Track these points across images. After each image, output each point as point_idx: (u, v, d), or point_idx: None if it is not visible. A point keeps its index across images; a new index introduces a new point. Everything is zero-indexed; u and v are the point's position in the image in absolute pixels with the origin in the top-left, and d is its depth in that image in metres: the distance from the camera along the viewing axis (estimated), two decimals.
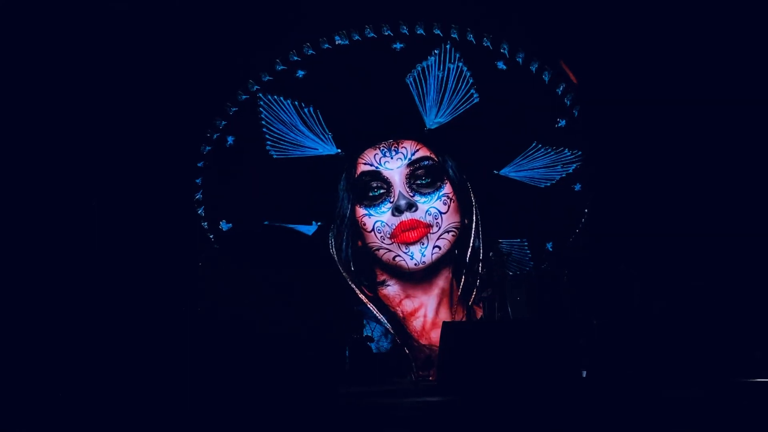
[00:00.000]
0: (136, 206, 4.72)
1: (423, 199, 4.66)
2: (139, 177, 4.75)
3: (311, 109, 4.81)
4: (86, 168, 4.67)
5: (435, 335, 4.49)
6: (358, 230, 4.77)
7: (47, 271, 4.39)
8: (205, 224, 4.90)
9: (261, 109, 4.86)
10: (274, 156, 4.87)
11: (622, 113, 4.78)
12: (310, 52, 4.84)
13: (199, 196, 4.92)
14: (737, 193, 4.60)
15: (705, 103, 4.64)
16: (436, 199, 4.68)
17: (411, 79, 4.80)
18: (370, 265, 4.85)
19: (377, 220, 4.66)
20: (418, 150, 4.73)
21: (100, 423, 2.94)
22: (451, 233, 4.72)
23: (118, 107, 4.75)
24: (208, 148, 4.92)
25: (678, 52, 4.71)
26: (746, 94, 4.53)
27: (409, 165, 4.68)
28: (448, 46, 4.80)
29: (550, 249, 4.98)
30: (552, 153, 4.90)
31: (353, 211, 4.77)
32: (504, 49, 4.82)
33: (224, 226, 4.88)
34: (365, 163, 4.75)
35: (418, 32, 4.79)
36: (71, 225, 4.59)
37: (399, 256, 4.66)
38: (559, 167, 4.93)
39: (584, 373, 3.66)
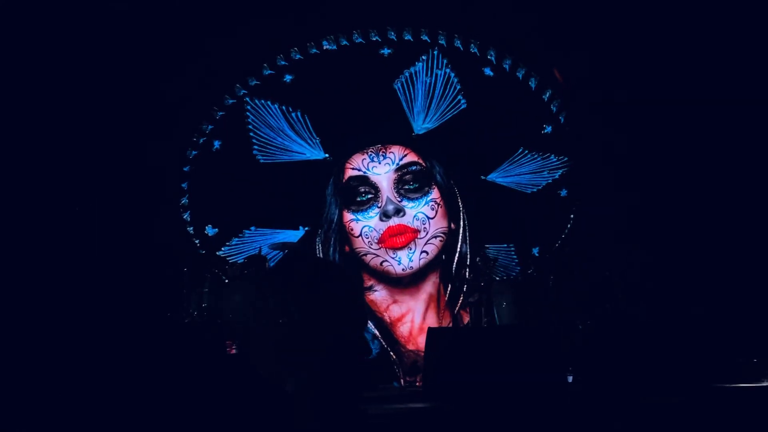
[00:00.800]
0: (122, 210, 4.67)
1: (411, 204, 4.69)
2: (125, 181, 4.70)
3: (299, 114, 4.83)
4: (71, 172, 4.62)
5: (422, 340, 4.49)
6: (345, 235, 4.78)
7: (29, 274, 4.34)
8: (190, 229, 4.89)
9: (248, 113, 4.87)
10: (261, 160, 4.87)
11: (609, 119, 4.81)
12: (298, 56, 4.86)
13: (185, 200, 4.91)
14: (724, 199, 4.64)
15: (690, 105, 4.68)
16: (424, 204, 4.72)
17: (399, 84, 4.84)
18: (358, 271, 4.85)
19: (365, 225, 4.68)
20: (405, 155, 4.76)
21: (91, 423, 2.92)
22: (438, 238, 4.74)
23: (105, 111, 4.70)
24: (194, 152, 4.91)
25: (665, 56, 4.75)
26: (734, 96, 4.57)
27: (396, 170, 4.71)
28: (435, 52, 4.85)
29: (537, 254, 5.02)
30: (538, 159, 4.97)
31: (341, 216, 4.78)
32: (491, 55, 4.88)
33: (210, 231, 4.87)
34: (353, 168, 4.76)
35: (406, 38, 4.84)
36: (56, 229, 4.54)
37: (386, 261, 4.67)
38: (545, 173, 4.99)
39: (570, 378, 3.69)
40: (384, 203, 4.67)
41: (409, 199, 4.74)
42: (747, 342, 3.85)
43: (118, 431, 2.95)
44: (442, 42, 4.86)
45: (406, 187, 4.75)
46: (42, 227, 4.41)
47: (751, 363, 3.61)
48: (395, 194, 4.69)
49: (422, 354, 4.11)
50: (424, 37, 4.85)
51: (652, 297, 4.38)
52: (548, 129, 4.97)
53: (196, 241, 4.86)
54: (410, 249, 4.67)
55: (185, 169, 4.91)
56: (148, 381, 3.31)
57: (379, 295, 4.82)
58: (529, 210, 4.99)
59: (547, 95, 4.96)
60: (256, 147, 4.87)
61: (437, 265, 4.84)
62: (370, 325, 4.64)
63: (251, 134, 4.87)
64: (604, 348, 3.73)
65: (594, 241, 4.73)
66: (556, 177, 5.01)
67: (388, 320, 4.75)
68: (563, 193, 5.02)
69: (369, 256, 4.73)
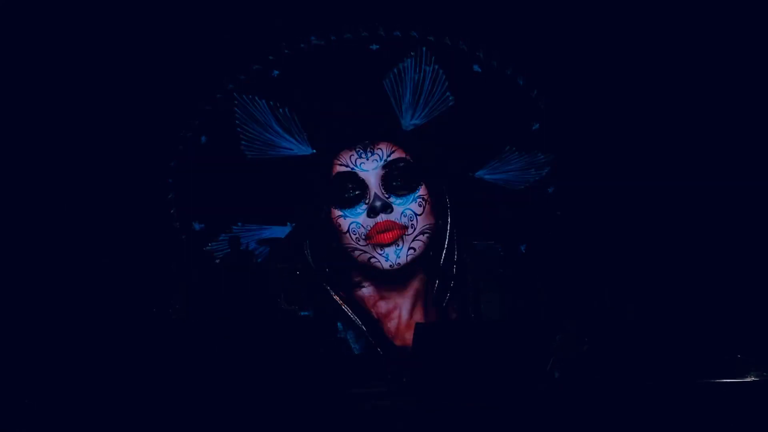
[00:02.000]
0: (107, 205, 4.63)
1: (398, 201, 4.70)
2: (111, 176, 4.66)
3: (286, 110, 4.81)
4: (57, 166, 4.58)
5: (410, 336, 4.49)
6: (333, 231, 4.77)
7: (15, 268, 4.30)
8: (177, 224, 4.85)
9: (236, 108, 4.84)
10: (249, 156, 4.85)
11: (596, 118, 4.83)
12: (286, 51, 4.84)
13: (171, 195, 4.87)
14: (718, 199, 4.68)
15: (681, 106, 4.72)
16: (412, 201, 4.72)
17: (387, 80, 4.83)
18: (345, 267, 4.84)
19: (352, 221, 4.68)
20: (393, 152, 4.76)
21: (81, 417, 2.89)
22: (426, 235, 4.75)
23: (92, 106, 4.67)
24: (181, 147, 4.88)
25: (653, 56, 4.79)
26: (726, 100, 4.62)
27: (384, 166, 4.71)
28: (424, 49, 4.85)
29: (524, 251, 5.04)
30: (526, 156, 4.98)
31: (328, 212, 4.77)
32: (479, 52, 4.89)
33: (197, 226, 4.84)
34: (341, 164, 4.76)
35: (395, 34, 4.83)
36: (41, 223, 4.49)
37: (374, 257, 4.67)
38: (533, 170, 5.01)
39: (556, 374, 3.71)
40: (372, 200, 4.68)
41: (397, 196, 4.75)
42: (731, 338, 3.88)
43: (107, 424, 2.92)
44: (431, 38, 4.86)
45: (394, 183, 4.76)
46: (27, 222, 4.37)
47: (735, 359, 3.65)
48: (383, 191, 4.70)
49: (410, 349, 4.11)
50: (414, 34, 4.85)
51: (639, 295, 4.41)
52: (536, 126, 4.99)
53: (183, 237, 4.83)
54: (398, 245, 4.67)
55: (172, 164, 4.87)
56: (134, 375, 3.28)
57: (366, 291, 4.82)
58: (516, 207, 5.00)
59: (535, 93, 4.97)
60: (243, 142, 4.85)
61: (425, 261, 4.84)
62: (358, 320, 4.63)
63: (239, 129, 4.85)
64: (591, 345, 3.75)
65: (581, 238, 4.76)
66: (544, 174, 5.02)
67: (376, 316, 4.75)
68: (550, 190, 5.04)
69: (357, 252, 4.73)
